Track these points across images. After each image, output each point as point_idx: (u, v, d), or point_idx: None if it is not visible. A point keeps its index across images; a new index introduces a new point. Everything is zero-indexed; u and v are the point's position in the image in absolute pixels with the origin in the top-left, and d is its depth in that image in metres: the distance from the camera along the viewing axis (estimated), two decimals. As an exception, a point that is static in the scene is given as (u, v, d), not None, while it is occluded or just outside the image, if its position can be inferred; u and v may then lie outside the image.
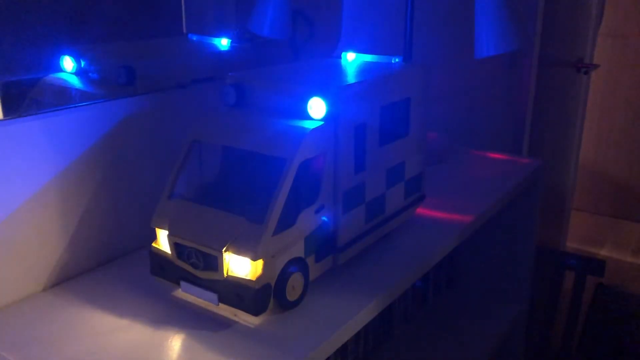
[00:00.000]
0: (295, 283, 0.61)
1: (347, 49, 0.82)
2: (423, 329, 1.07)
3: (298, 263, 0.61)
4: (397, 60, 0.77)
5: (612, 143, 2.88)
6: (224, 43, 0.89)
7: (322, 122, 0.62)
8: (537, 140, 1.68)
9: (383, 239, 0.77)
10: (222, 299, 0.59)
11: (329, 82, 0.65)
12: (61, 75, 0.69)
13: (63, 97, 0.69)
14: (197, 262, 0.60)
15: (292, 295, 0.61)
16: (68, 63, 0.70)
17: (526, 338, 1.28)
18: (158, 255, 0.63)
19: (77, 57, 0.70)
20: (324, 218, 0.64)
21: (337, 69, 0.73)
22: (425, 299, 1.14)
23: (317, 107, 0.62)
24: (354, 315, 0.62)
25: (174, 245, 0.61)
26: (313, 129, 0.60)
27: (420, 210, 0.85)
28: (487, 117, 1.57)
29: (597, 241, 2.75)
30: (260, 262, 0.57)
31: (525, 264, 1.15)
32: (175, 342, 0.58)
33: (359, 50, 0.83)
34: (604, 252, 2.66)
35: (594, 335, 1.80)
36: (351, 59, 0.80)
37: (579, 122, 2.22)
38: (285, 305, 0.61)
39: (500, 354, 1.22)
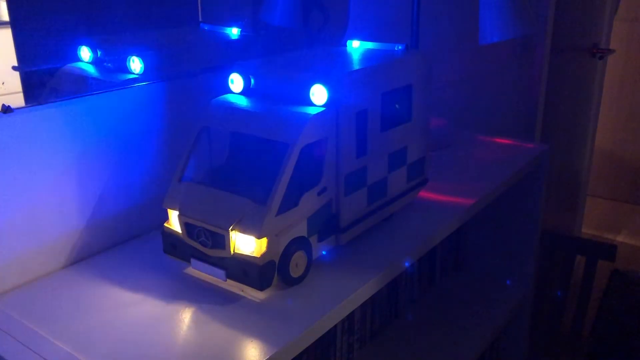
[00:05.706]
0: (299, 260, 0.65)
1: (354, 37, 0.85)
2: (429, 311, 1.10)
3: (301, 242, 0.65)
4: (400, 47, 0.79)
5: (630, 129, 2.86)
6: (235, 32, 0.92)
7: (323, 108, 0.65)
8: (550, 126, 1.69)
9: (385, 220, 0.80)
10: (229, 275, 0.63)
11: (330, 70, 0.68)
12: (78, 64, 0.73)
13: (80, 85, 0.73)
14: (206, 241, 0.64)
15: (295, 272, 0.65)
16: (85, 53, 0.73)
17: (533, 322, 1.30)
18: (170, 234, 0.67)
19: (93, 47, 0.74)
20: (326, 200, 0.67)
21: (340, 57, 0.76)
22: (432, 281, 1.17)
23: (319, 94, 0.65)
24: (355, 290, 0.65)
25: (185, 225, 0.65)
26: (315, 114, 0.63)
27: (423, 194, 0.88)
28: (500, 102, 1.58)
29: (614, 227, 2.74)
30: (264, 240, 0.60)
31: (531, 247, 1.17)
32: (186, 314, 0.61)
33: (365, 38, 0.85)
34: (620, 239, 2.65)
35: (607, 322, 1.81)
36: (355, 47, 0.82)
37: (595, 107, 2.21)
38: (289, 281, 0.65)
39: (505, 336, 1.24)
